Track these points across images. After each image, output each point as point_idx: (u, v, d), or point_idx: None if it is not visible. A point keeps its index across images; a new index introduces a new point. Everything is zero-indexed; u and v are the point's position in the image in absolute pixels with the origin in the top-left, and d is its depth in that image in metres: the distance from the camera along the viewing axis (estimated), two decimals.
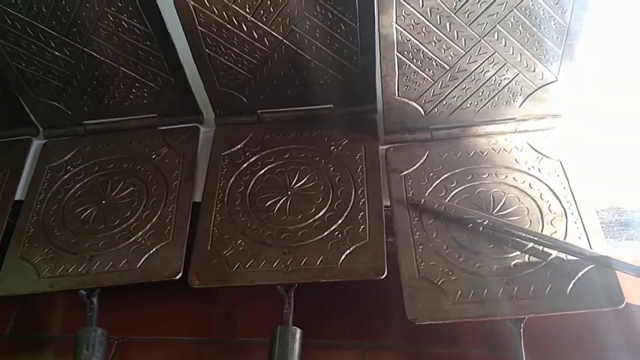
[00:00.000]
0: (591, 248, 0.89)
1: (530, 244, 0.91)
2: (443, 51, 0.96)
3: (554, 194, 0.96)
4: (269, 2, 0.96)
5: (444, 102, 1.03)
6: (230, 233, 0.99)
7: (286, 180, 1.04)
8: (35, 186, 1.10)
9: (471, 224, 0.94)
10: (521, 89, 1.01)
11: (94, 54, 1.06)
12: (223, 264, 0.95)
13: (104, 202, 1.06)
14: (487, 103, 1.03)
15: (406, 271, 0.90)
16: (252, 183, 1.05)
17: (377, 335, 1.00)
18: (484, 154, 1.03)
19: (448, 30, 0.93)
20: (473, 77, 0.99)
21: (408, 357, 0.99)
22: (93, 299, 0.96)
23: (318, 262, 0.93)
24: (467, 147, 1.04)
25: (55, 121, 1.17)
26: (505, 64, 0.97)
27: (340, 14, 0.97)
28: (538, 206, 0.95)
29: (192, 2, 0.96)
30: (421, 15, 0.92)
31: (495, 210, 0.95)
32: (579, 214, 0.93)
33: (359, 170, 1.04)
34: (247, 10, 0.97)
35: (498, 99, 1.02)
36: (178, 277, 0.94)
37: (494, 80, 0.99)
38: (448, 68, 0.98)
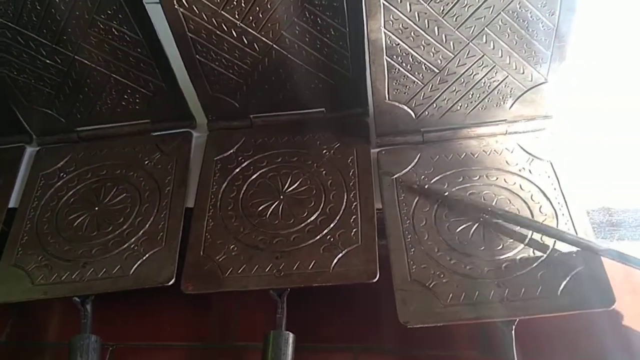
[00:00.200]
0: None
1: (521, 246, 0.91)
2: (432, 55, 0.96)
3: (545, 195, 0.97)
4: (257, 8, 0.96)
5: (435, 105, 1.03)
6: (222, 238, 0.99)
7: (278, 185, 1.05)
8: (28, 193, 1.11)
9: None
10: (511, 91, 1.01)
11: (85, 61, 1.06)
12: (216, 269, 0.95)
13: (97, 208, 1.07)
14: (477, 105, 1.03)
15: (398, 274, 0.91)
16: (244, 188, 1.05)
17: (369, 338, 1.00)
18: (475, 156, 1.03)
19: (436, 34, 0.94)
20: (463, 80, 0.99)
21: None
22: (87, 305, 0.96)
23: (310, 267, 0.93)
24: (458, 149, 1.05)
25: (48, 128, 1.17)
26: (494, 66, 0.98)
27: (329, 19, 0.97)
28: (529, 207, 0.96)
29: (181, 9, 0.96)
30: (409, 19, 0.92)
31: None
32: (570, 215, 0.94)
33: (350, 173, 1.04)
34: (236, 16, 0.97)
35: (488, 101, 1.02)
36: (171, 283, 0.95)
37: (484, 83, 1.00)
38: (437, 71, 0.98)
